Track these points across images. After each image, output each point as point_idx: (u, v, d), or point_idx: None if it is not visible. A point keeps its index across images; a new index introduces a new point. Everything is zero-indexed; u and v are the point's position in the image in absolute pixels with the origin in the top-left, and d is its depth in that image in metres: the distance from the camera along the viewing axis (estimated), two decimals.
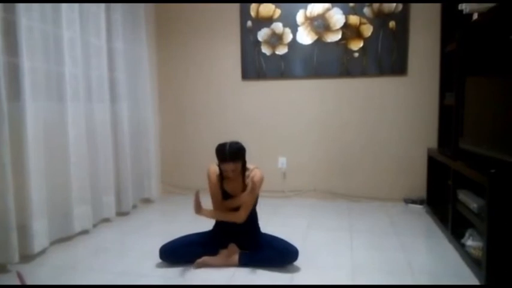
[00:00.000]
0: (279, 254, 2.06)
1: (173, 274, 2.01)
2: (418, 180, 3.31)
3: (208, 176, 2.14)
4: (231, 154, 2.01)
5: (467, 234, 2.21)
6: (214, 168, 2.15)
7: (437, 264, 2.11)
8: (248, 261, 2.07)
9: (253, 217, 2.21)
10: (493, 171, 1.80)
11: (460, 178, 2.33)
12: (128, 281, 1.95)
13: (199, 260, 2.07)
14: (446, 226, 2.50)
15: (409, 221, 2.88)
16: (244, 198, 2.08)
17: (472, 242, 2.12)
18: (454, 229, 2.38)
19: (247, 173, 2.13)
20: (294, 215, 3.06)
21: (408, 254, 2.24)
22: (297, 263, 2.08)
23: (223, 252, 2.12)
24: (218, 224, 2.22)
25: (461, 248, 2.19)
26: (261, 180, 2.11)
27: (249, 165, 2.15)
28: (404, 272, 2.01)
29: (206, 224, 2.24)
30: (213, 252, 2.13)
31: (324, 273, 2.00)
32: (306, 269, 2.05)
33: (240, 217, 2.06)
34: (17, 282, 1.83)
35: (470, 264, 2.03)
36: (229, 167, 2.02)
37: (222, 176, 2.13)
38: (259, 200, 2.20)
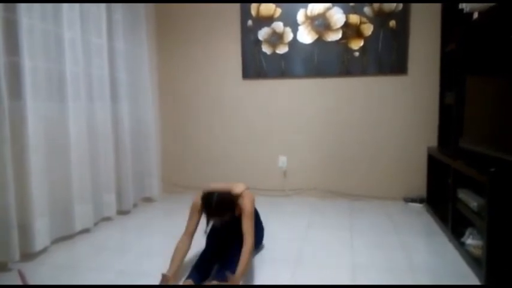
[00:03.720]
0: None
1: None
2: (418, 179, 3.31)
3: (191, 209, 1.99)
4: (218, 208, 1.84)
5: (467, 233, 2.22)
6: (197, 201, 1.96)
7: (437, 263, 2.12)
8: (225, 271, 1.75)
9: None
10: (493, 170, 1.80)
11: (460, 177, 2.34)
12: (128, 280, 1.95)
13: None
14: (446, 225, 2.51)
15: (409, 219, 2.88)
16: (245, 227, 1.90)
17: (472, 241, 2.13)
18: (454, 228, 2.38)
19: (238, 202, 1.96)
20: (294, 214, 3.06)
21: (408, 253, 2.24)
22: (297, 262, 2.09)
23: None
24: (210, 243, 2.05)
25: (461, 246, 2.20)
26: (252, 205, 1.97)
27: (236, 188, 2.01)
28: (404, 271, 2.02)
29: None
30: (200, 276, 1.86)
31: (324, 273, 2.00)
32: (306, 268, 2.05)
33: (249, 245, 1.84)
34: (19, 281, 1.84)
35: (470, 263, 2.03)
36: (215, 220, 1.91)
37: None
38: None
